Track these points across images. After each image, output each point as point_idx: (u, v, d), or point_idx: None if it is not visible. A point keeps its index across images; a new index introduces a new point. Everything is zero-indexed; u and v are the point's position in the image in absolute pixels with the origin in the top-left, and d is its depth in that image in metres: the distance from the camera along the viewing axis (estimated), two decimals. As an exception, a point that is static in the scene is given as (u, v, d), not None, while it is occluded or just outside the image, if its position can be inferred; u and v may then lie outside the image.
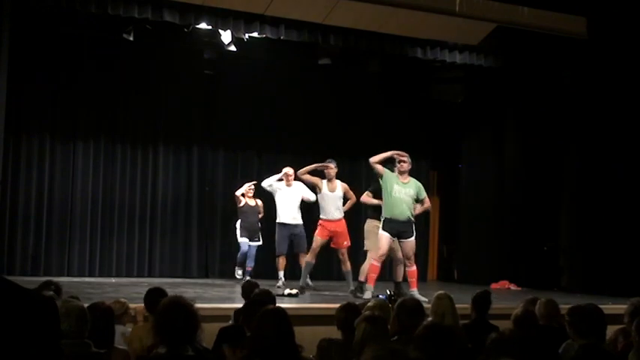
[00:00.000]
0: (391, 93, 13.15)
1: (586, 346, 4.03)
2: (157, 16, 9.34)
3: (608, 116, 10.97)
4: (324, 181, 9.53)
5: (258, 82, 12.15)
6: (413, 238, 8.77)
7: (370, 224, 9.31)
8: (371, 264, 8.72)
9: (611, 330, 4.73)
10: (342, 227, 9.54)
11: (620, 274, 10.39)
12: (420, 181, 9.20)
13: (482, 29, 10.42)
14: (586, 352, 4.01)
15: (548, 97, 11.85)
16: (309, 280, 9.83)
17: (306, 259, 9.49)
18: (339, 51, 11.17)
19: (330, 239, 9.53)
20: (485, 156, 13.31)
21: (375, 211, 9.20)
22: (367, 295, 8.26)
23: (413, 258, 8.82)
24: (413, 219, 8.79)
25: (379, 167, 8.84)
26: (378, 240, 8.67)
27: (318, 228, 9.53)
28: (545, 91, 11.87)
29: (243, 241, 10.85)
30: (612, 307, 7.07)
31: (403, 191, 8.69)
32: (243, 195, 10.89)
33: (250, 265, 10.75)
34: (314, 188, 9.72)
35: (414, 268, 8.83)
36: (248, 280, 6.47)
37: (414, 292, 8.47)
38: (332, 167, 9.49)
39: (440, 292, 5.44)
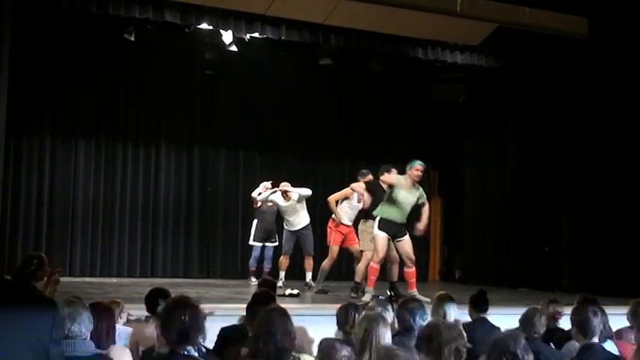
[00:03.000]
0: (392, 93, 13.16)
1: (588, 346, 4.03)
2: (158, 17, 9.34)
3: (609, 117, 10.96)
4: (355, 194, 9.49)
5: (259, 83, 12.16)
6: (407, 236, 8.68)
7: (365, 224, 9.31)
8: (370, 266, 8.63)
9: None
10: (352, 229, 9.72)
11: (620, 275, 10.38)
12: (421, 181, 9.17)
13: (483, 29, 10.42)
14: (588, 352, 4.01)
15: (549, 98, 11.84)
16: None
17: (325, 267, 9.57)
18: (340, 51, 11.17)
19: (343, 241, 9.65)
20: (486, 156, 13.31)
21: (370, 212, 9.20)
22: (367, 297, 8.23)
23: (413, 257, 8.72)
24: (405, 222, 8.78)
25: (393, 179, 8.65)
26: (375, 241, 8.56)
27: (334, 234, 9.58)
28: (546, 92, 11.87)
29: (256, 244, 10.58)
30: (613, 308, 7.06)
31: (409, 198, 8.57)
32: (259, 194, 10.58)
33: (267, 266, 10.52)
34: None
35: (414, 269, 8.66)
36: (264, 278, 6.39)
37: (414, 292, 8.42)
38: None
39: (441, 292, 5.44)
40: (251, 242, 10.67)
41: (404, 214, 8.60)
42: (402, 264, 8.78)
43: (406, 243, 8.65)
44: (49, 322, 1.72)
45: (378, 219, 8.59)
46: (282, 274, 10.05)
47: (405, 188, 8.56)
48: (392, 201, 8.59)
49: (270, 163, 12.53)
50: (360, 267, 9.09)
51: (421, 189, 8.81)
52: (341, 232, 9.58)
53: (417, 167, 8.52)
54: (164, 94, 11.85)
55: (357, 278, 9.02)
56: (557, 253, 11.79)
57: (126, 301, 5.72)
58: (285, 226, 10.21)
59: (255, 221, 10.68)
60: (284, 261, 10.15)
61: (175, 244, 11.85)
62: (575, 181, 11.52)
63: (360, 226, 9.43)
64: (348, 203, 9.60)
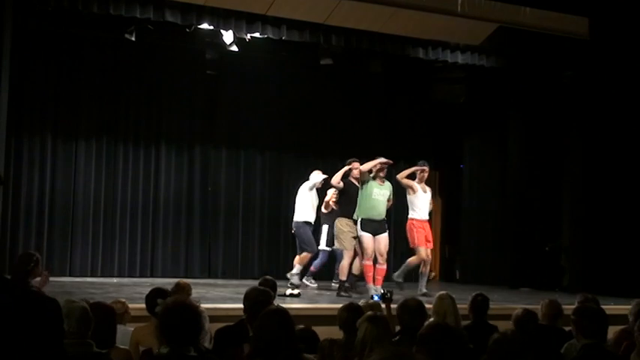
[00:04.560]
0: (393, 93, 13.15)
1: (588, 346, 4.03)
2: (158, 16, 9.34)
3: (610, 116, 10.97)
4: (416, 182, 9.73)
5: (259, 83, 12.15)
6: (386, 234, 9.16)
7: (341, 222, 9.37)
8: (364, 265, 9.04)
9: (612, 330, 4.72)
10: (429, 228, 9.92)
11: (621, 275, 10.39)
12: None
13: (484, 29, 10.42)
14: (588, 352, 4.01)
15: (550, 98, 11.84)
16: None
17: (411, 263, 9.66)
18: (340, 51, 11.17)
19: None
20: (487, 156, 13.32)
21: (345, 210, 9.37)
22: (372, 292, 8.41)
23: (385, 255, 9.13)
24: (385, 218, 9.26)
25: (366, 174, 9.21)
26: (361, 242, 9.00)
27: (415, 229, 9.61)
28: (547, 91, 11.87)
29: (327, 249, 10.40)
30: (614, 308, 7.06)
31: (381, 193, 9.13)
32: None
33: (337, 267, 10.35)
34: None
35: (385, 266, 9.16)
36: (264, 278, 6.40)
37: (377, 289, 8.64)
38: (426, 170, 9.74)
39: (442, 292, 5.45)
40: (323, 247, 10.42)
41: (381, 210, 9.11)
42: (374, 260, 9.09)
43: (382, 241, 9.09)
44: (51, 321, 1.73)
45: (359, 220, 9.05)
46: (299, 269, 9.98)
47: (376, 185, 9.12)
48: (366, 199, 9.04)
49: (271, 163, 12.54)
50: (343, 265, 9.18)
51: (390, 185, 9.32)
52: (423, 229, 9.64)
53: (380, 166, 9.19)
54: (165, 94, 11.84)
55: (342, 277, 9.15)
56: (558, 253, 11.80)
57: (127, 301, 5.71)
58: (307, 218, 10.22)
59: (325, 227, 10.48)
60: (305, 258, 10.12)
61: (176, 244, 11.84)
62: (576, 181, 11.53)
63: (337, 224, 9.45)
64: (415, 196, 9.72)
